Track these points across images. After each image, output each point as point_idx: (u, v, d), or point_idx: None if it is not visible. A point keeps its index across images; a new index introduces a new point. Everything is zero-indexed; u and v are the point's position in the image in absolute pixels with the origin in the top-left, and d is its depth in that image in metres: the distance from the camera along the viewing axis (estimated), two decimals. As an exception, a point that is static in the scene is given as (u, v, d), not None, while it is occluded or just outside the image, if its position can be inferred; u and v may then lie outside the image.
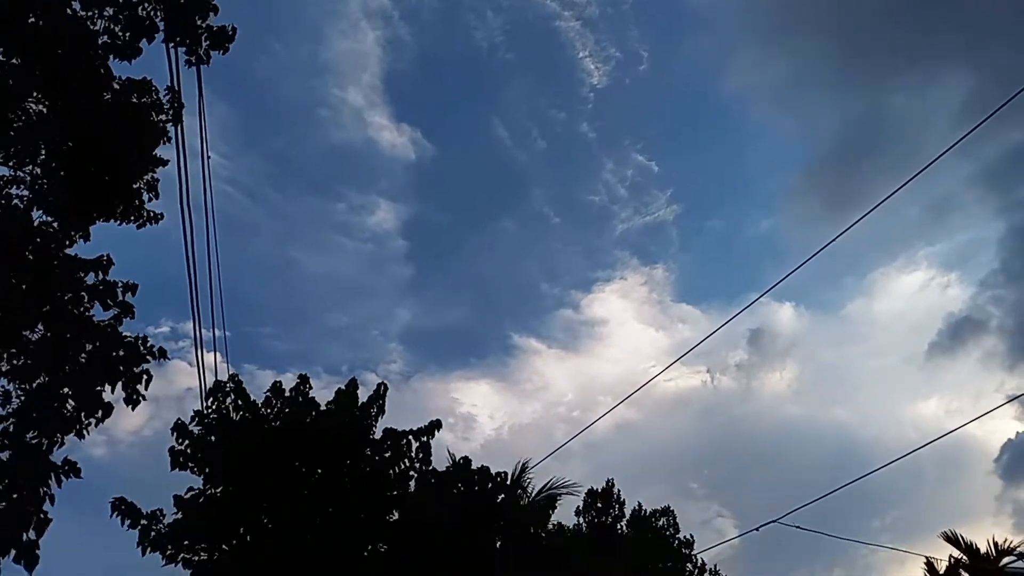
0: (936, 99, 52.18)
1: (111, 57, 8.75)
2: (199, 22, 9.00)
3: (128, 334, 8.66)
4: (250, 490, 13.66)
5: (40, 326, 8.30)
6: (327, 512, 14.04)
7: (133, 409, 8.46)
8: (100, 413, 8.46)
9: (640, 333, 66.99)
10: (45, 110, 8.53)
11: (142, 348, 8.64)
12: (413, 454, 14.72)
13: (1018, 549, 20.85)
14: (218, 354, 16.57)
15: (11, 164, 8.48)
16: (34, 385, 8.31)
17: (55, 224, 8.80)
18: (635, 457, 50.95)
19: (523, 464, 16.53)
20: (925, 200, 52.10)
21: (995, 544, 21.15)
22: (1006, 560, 20.94)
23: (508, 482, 15.31)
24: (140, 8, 8.70)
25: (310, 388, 15.06)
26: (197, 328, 12.04)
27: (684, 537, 26.60)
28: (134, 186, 9.50)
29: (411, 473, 14.75)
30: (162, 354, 8.79)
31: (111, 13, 8.67)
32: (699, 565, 26.11)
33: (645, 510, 26.81)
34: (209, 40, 9.25)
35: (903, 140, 53.03)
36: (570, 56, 67.20)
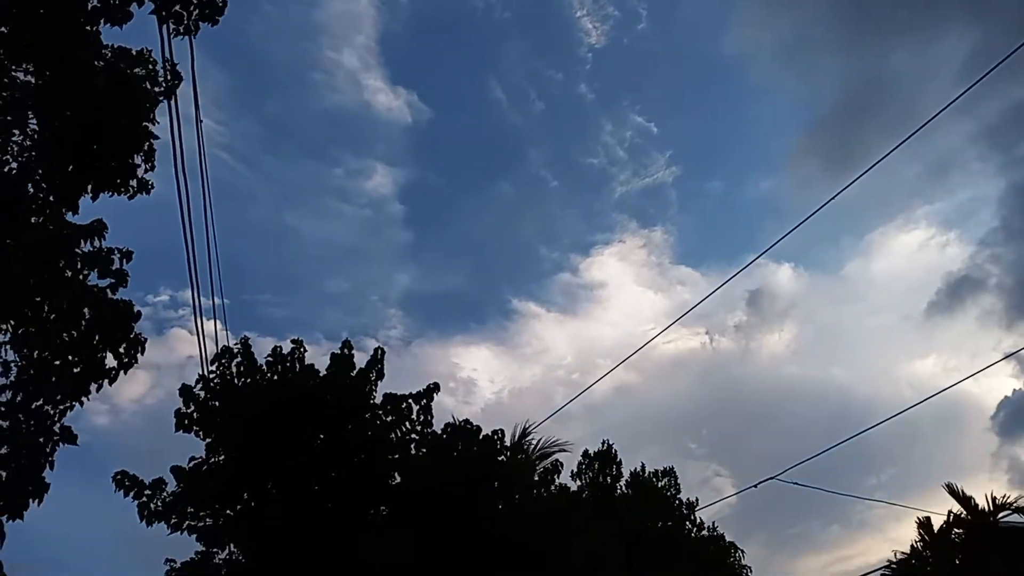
0: (938, 56, 51.63)
1: (101, 22, 8.64)
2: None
3: (121, 299, 8.72)
4: (253, 455, 13.83)
5: (37, 295, 8.36)
6: (329, 476, 14.23)
7: (125, 373, 8.56)
8: (105, 380, 8.59)
9: (639, 296, 67.29)
10: (33, 80, 8.47)
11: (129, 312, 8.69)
12: (414, 417, 14.87)
13: (1015, 504, 21.16)
14: (218, 322, 16.62)
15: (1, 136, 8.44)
16: (35, 354, 8.41)
17: (50, 197, 8.80)
18: (634, 418, 51.50)
19: (525, 426, 16.73)
20: (925, 158, 51.90)
21: (993, 500, 21.45)
22: (1002, 515, 21.25)
23: (508, 443, 15.48)
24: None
25: (305, 351, 15.15)
26: (196, 296, 12.14)
27: (686, 499, 26.99)
28: (129, 159, 9.46)
29: (412, 436, 14.91)
30: (137, 316, 8.84)
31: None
32: (698, 524, 26.50)
33: (647, 472, 27.08)
34: (198, 10, 9.17)
35: (904, 99, 52.56)
36: (567, 16, 66.47)
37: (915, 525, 22.77)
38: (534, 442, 16.32)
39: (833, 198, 12.68)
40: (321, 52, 63.73)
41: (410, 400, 14.91)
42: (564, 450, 16.46)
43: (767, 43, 63.38)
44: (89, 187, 8.85)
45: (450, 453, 14.84)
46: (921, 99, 48.39)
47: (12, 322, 8.37)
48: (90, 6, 8.71)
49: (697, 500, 26.86)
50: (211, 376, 14.46)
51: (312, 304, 64.38)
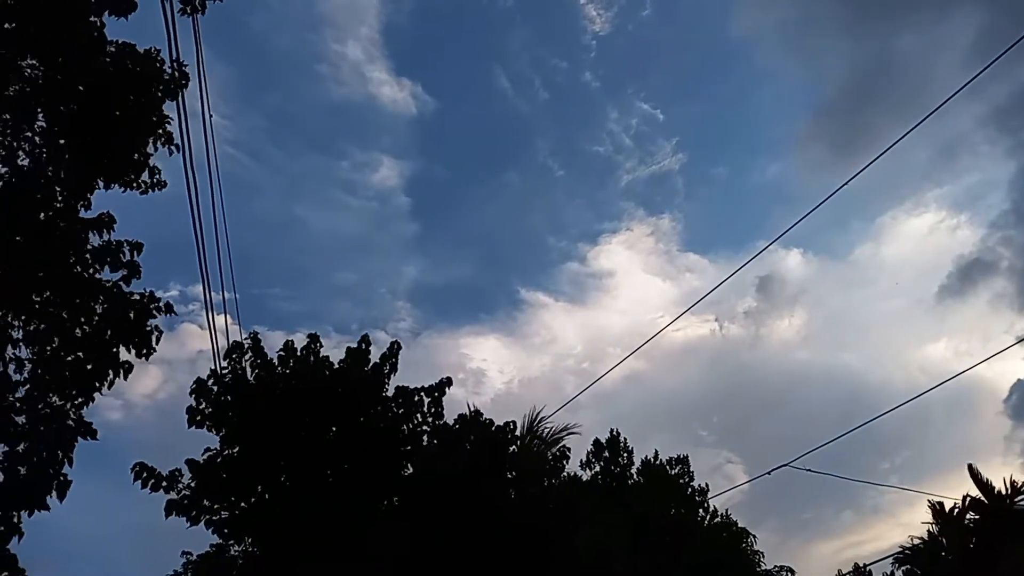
0: (945, 37, 51.20)
1: (105, 13, 8.57)
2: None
3: (135, 292, 8.70)
4: (267, 449, 13.87)
5: (48, 291, 8.35)
6: (342, 469, 14.27)
7: (147, 360, 8.55)
8: (119, 373, 8.58)
9: (647, 284, 67.33)
10: (40, 74, 8.43)
11: (151, 305, 8.66)
12: (425, 409, 14.89)
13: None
14: (228, 316, 16.64)
15: (8, 131, 8.41)
16: (47, 349, 8.40)
17: (59, 191, 8.77)
18: (645, 407, 51.57)
19: (538, 414, 16.73)
20: (934, 141, 51.59)
21: (1012, 484, 21.39)
22: (1020, 499, 21.21)
23: (519, 432, 15.50)
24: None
25: (320, 346, 15.18)
26: (207, 290, 12.13)
27: (699, 486, 26.95)
28: (138, 152, 9.40)
29: (424, 428, 14.94)
30: (168, 309, 8.81)
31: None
32: (710, 511, 26.49)
33: (660, 459, 27.06)
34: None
35: (911, 81, 52.19)
36: (571, 3, 66.25)
37: (928, 510, 22.76)
38: (546, 430, 16.37)
39: (847, 183, 12.63)
40: (325, 44, 63.80)
41: (422, 394, 14.93)
42: (573, 433, 16.47)
43: (772, 26, 63.21)
44: (100, 181, 8.81)
45: (461, 444, 14.86)
46: (928, 81, 48.11)
47: (23, 317, 8.36)
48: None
49: (708, 487, 26.90)
50: (223, 371, 14.49)
51: (321, 297, 64.71)
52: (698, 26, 73.07)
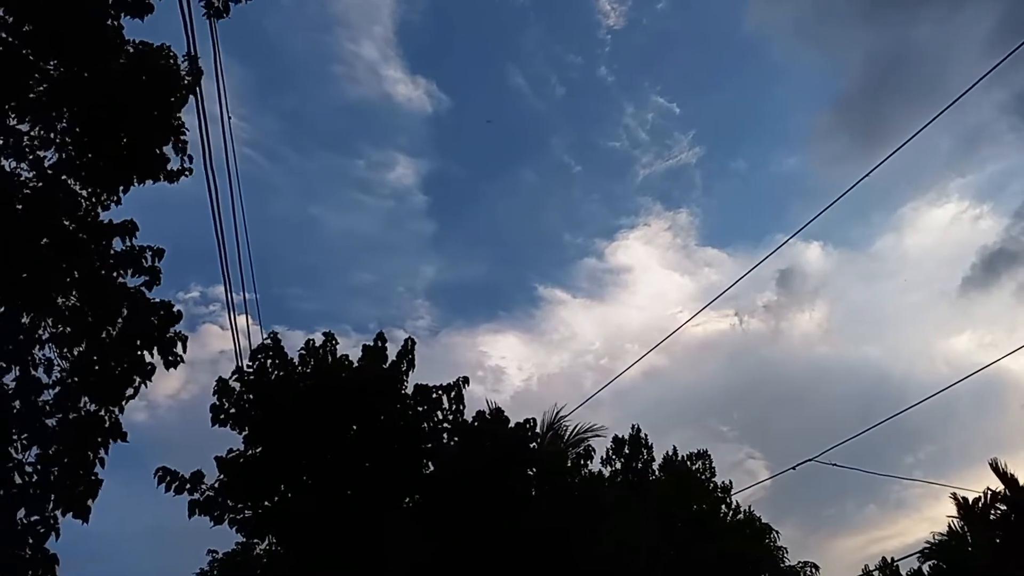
0: (963, 27, 50.43)
1: (122, 15, 8.62)
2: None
3: (155, 298, 8.77)
4: (289, 448, 13.96)
5: (74, 293, 8.43)
6: (363, 467, 14.33)
7: (176, 368, 8.63)
8: (146, 377, 8.67)
9: (665, 279, 66.73)
10: (62, 72, 8.48)
11: (170, 312, 8.74)
12: (445, 407, 14.92)
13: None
14: (249, 316, 16.80)
15: (33, 133, 8.48)
16: (75, 352, 8.49)
17: (84, 191, 8.85)
18: (664, 402, 51.17)
19: (557, 411, 16.70)
20: (955, 131, 50.74)
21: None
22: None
23: (539, 429, 15.47)
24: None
25: (336, 343, 15.23)
26: (228, 291, 12.20)
27: (721, 482, 26.82)
28: (158, 150, 9.45)
29: (444, 426, 14.97)
30: (178, 316, 8.88)
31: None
32: (733, 507, 26.34)
33: (680, 455, 26.94)
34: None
35: (930, 70, 51.43)
36: (585, -2, 65.72)
37: (953, 504, 22.46)
38: (567, 429, 16.33)
39: (868, 174, 12.46)
40: (339, 44, 63.79)
41: (440, 392, 14.96)
42: (598, 435, 16.42)
43: (788, 18, 62.32)
44: (125, 180, 8.86)
45: (481, 442, 14.86)
46: (948, 70, 47.20)
47: (50, 319, 8.44)
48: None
49: (731, 483, 26.74)
50: (247, 371, 14.60)
51: (339, 296, 64.83)
52: (714, 18, 72.18)
